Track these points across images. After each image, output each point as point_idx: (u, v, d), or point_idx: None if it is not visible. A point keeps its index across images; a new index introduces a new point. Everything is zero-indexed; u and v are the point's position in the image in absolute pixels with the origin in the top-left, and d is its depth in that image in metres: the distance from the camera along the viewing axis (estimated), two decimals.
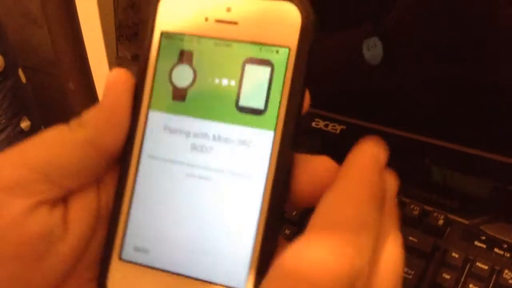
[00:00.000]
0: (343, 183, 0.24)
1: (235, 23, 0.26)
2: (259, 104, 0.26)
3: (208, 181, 0.26)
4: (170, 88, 0.27)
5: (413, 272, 0.46)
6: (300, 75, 0.25)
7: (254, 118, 0.26)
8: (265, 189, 0.25)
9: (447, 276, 0.45)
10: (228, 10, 0.26)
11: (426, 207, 0.52)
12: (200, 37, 0.26)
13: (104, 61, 1.02)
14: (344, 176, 0.24)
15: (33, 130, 1.00)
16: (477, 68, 0.46)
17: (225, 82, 0.26)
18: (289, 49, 0.25)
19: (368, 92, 0.53)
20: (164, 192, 0.27)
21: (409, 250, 0.48)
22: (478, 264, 0.46)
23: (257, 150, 0.25)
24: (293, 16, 0.25)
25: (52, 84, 1.16)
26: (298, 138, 0.25)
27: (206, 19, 0.26)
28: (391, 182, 0.26)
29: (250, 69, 0.26)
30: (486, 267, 0.45)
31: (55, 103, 1.15)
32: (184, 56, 0.27)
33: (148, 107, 0.27)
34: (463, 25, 0.46)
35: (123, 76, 0.27)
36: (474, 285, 0.45)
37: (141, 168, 0.27)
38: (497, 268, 0.46)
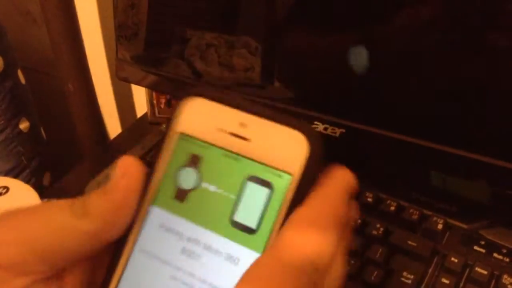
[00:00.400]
0: (313, 202, 0.26)
1: (247, 139, 0.27)
2: (252, 223, 0.26)
3: None
4: (174, 188, 0.28)
5: (412, 276, 0.46)
6: (298, 202, 0.25)
7: (245, 236, 0.26)
8: None
9: (446, 281, 0.45)
10: (243, 125, 0.27)
11: (425, 211, 0.52)
12: (211, 145, 0.27)
13: (103, 62, 1.02)
14: (315, 196, 0.26)
15: (32, 131, 0.99)
16: (477, 72, 0.46)
17: (225, 193, 0.27)
18: (292, 176, 0.26)
19: (368, 95, 0.53)
20: None
21: (408, 254, 0.48)
22: (477, 269, 0.46)
23: (242, 270, 0.25)
24: (301, 145, 0.26)
25: (51, 85, 1.15)
26: None
27: (221, 130, 0.27)
28: (354, 212, 0.28)
29: (251, 187, 0.26)
30: (485, 272, 0.45)
31: (54, 104, 1.15)
32: (193, 160, 0.28)
33: (150, 202, 0.28)
34: (457, 38, 0.46)
35: (135, 168, 0.27)
36: None
37: (130, 261, 0.28)
38: (496, 273, 0.46)
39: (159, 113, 0.83)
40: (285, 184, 0.26)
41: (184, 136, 0.28)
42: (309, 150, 0.26)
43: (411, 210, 0.51)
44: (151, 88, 0.76)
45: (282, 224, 0.25)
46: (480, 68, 0.46)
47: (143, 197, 0.28)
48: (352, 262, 0.48)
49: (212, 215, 0.27)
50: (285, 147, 0.26)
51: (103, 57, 1.01)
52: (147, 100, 0.82)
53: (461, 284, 0.46)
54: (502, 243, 0.48)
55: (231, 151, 0.27)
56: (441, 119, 0.50)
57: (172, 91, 0.70)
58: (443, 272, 0.46)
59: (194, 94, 0.28)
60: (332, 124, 0.54)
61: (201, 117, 0.28)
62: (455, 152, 0.49)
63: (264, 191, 0.26)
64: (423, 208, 0.52)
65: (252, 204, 0.26)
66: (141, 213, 0.28)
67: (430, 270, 0.47)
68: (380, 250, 0.48)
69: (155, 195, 0.28)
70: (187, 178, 0.27)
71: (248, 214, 0.26)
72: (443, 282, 0.45)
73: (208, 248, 0.26)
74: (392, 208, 0.52)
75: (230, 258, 0.26)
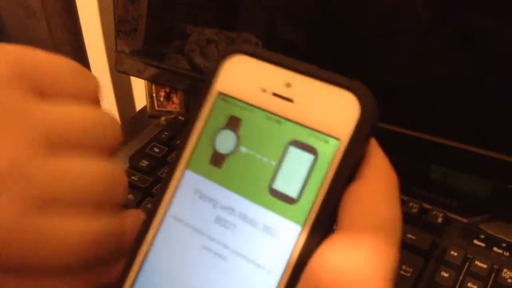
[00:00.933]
0: (370, 181, 0.24)
1: (291, 100, 0.25)
2: (293, 192, 0.24)
3: (222, 260, 0.25)
4: (211, 151, 0.26)
5: (411, 270, 0.46)
6: (344, 171, 0.23)
7: (285, 206, 0.24)
8: (279, 284, 0.23)
9: (446, 275, 0.45)
10: (288, 86, 0.25)
11: (425, 205, 0.52)
12: (253, 106, 0.25)
13: (102, 55, 1.02)
14: (369, 174, 0.24)
15: None
16: (476, 64, 0.46)
17: (265, 159, 0.25)
18: (340, 142, 0.23)
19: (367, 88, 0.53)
20: (178, 259, 0.26)
21: (408, 247, 0.48)
22: (477, 262, 0.46)
23: (280, 242, 0.24)
24: (352, 107, 0.23)
25: None
26: (326, 237, 0.23)
27: (264, 90, 0.25)
28: None
29: (294, 152, 0.24)
30: (485, 266, 0.45)
31: None
32: (232, 122, 0.26)
33: (185, 166, 0.26)
34: (456, 29, 0.46)
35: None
36: (473, 284, 0.45)
37: (162, 227, 0.26)
38: (496, 267, 0.46)
39: (158, 106, 0.82)
40: (331, 150, 0.23)
41: (224, 96, 0.26)
42: (361, 113, 0.23)
43: (410, 204, 0.51)
44: (151, 80, 0.76)
45: (327, 195, 0.23)
46: (479, 60, 0.46)
47: (178, 160, 0.26)
48: None
49: (249, 182, 0.25)
50: (333, 109, 0.24)
51: (102, 51, 1.01)
52: (146, 93, 0.82)
53: (461, 278, 0.46)
54: (502, 237, 0.49)
55: (273, 113, 0.25)
56: (441, 112, 0.50)
57: (172, 83, 0.70)
58: (442, 266, 0.46)
59: (236, 51, 0.26)
60: None
61: (243, 76, 0.26)
62: (456, 145, 0.49)
63: (308, 157, 0.24)
64: (423, 202, 0.52)
65: (294, 172, 0.24)
66: (175, 177, 0.26)
67: (429, 264, 0.47)
68: None
69: (190, 158, 0.26)
70: (225, 141, 0.26)
71: (289, 182, 0.24)
72: (443, 276, 0.45)
73: (243, 217, 0.24)
74: None
75: (267, 229, 0.24)
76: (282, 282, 0.23)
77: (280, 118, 0.25)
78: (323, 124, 0.24)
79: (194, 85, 0.63)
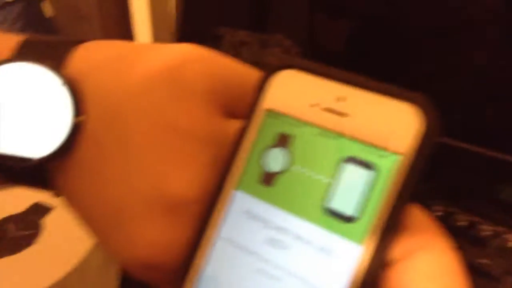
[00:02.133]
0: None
1: (345, 115, 0.24)
2: (350, 210, 0.23)
3: (278, 282, 0.24)
4: (260, 170, 0.25)
5: None
6: (406, 188, 0.22)
7: (342, 225, 0.23)
8: None
9: None
10: (340, 100, 0.24)
11: (497, 228, 0.50)
12: (304, 122, 0.25)
13: None
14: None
15: None
16: None
17: (318, 176, 0.24)
18: (400, 157, 0.23)
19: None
20: (231, 283, 0.25)
21: (479, 272, 0.46)
22: None
23: (338, 262, 0.23)
24: (413, 121, 0.23)
25: None
26: (388, 255, 0.23)
27: (315, 105, 0.25)
28: None
29: (350, 169, 0.23)
30: None
31: None
32: (282, 139, 0.25)
33: (234, 186, 0.26)
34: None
35: None
36: None
37: (213, 250, 0.26)
38: None
39: None
40: (391, 165, 0.23)
41: (272, 113, 0.25)
42: (427, 126, 0.22)
43: (482, 226, 0.49)
44: None
45: (388, 212, 0.22)
46: None
47: (226, 180, 0.26)
48: None
49: (303, 201, 0.24)
50: (392, 122, 0.23)
51: None
52: None
53: None
54: None
55: (326, 128, 0.24)
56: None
57: None
58: None
59: (283, 66, 0.26)
60: None
61: (292, 92, 0.25)
62: None
63: (365, 173, 0.23)
64: (494, 224, 0.50)
65: (350, 189, 0.23)
66: (224, 198, 0.25)
67: None
68: None
69: (239, 178, 0.26)
70: (275, 159, 0.25)
71: (345, 200, 0.23)
72: None
73: (298, 237, 0.24)
74: (462, 223, 0.50)
75: (324, 249, 0.23)
76: None
77: (334, 134, 0.24)
78: (381, 139, 0.23)
79: None
